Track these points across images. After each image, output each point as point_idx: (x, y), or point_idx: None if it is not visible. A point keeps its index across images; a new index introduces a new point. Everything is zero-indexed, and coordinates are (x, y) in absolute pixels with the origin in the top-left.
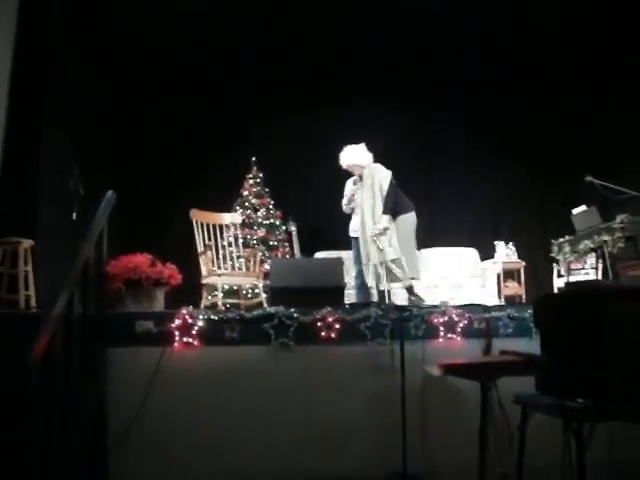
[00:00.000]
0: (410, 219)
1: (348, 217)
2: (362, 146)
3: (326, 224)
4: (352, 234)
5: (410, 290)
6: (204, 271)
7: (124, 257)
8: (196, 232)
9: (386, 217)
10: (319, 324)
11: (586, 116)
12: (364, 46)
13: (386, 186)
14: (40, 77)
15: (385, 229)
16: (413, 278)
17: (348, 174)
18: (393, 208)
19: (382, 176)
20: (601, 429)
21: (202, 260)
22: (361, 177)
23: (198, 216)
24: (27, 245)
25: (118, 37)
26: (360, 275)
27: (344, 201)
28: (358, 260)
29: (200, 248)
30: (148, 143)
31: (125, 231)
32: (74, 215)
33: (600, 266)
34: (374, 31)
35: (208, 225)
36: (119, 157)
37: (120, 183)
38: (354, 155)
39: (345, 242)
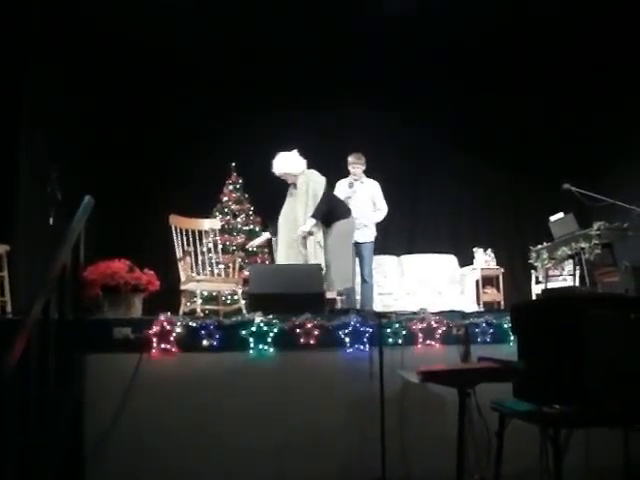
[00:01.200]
0: (347, 225)
1: None
2: (295, 153)
3: None
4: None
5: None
6: (183, 277)
7: (102, 263)
8: (175, 238)
9: (313, 221)
10: (298, 330)
11: (565, 124)
12: (344, 48)
13: (320, 193)
14: (18, 78)
15: (309, 233)
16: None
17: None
18: (325, 215)
19: (317, 182)
20: (578, 435)
21: (181, 266)
22: (295, 185)
23: (177, 222)
24: (2, 250)
25: (99, 39)
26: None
27: None
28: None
29: (179, 254)
30: (127, 148)
31: (103, 236)
32: (51, 220)
33: (577, 273)
34: (356, 31)
35: (187, 231)
36: (97, 161)
37: (98, 188)
38: (286, 163)
39: None
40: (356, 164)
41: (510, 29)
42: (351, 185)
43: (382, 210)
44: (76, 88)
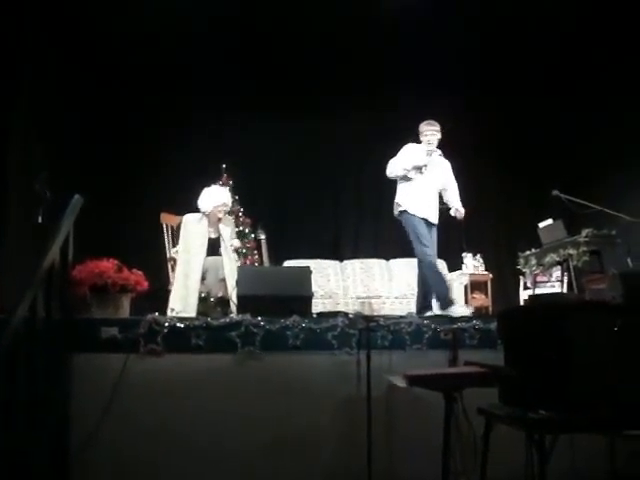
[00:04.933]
0: None
1: (320, 228)
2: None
3: (296, 233)
4: (412, 209)
5: None
6: (171, 277)
7: (90, 262)
8: (165, 236)
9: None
10: (286, 333)
11: (554, 130)
12: (337, 51)
13: None
14: (11, 77)
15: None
16: None
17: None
18: None
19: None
20: (564, 440)
21: (170, 266)
22: (220, 220)
23: (168, 220)
24: None
25: (94, 39)
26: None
27: (405, 165)
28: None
29: (169, 253)
30: (117, 146)
31: (92, 235)
32: (39, 218)
33: (565, 279)
34: (356, 32)
35: (178, 228)
36: (87, 160)
37: (88, 186)
38: (226, 195)
39: (315, 251)
40: (429, 131)
41: (507, 32)
42: (429, 154)
43: (456, 194)
44: (67, 87)
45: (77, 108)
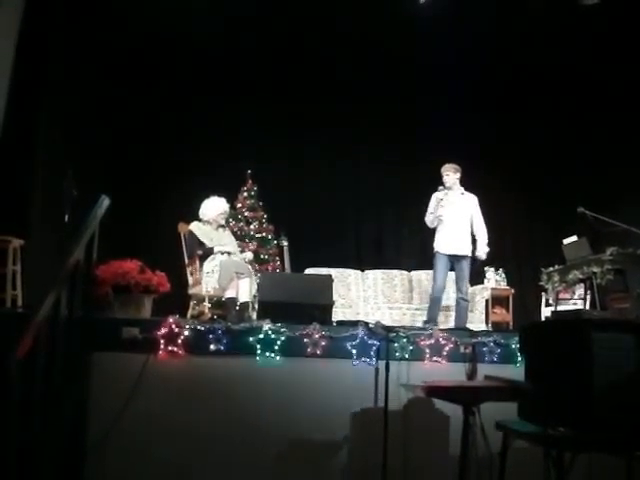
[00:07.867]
0: None
1: (339, 234)
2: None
3: (318, 241)
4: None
5: None
6: (190, 280)
7: (114, 262)
8: (183, 245)
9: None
10: (305, 340)
11: (582, 145)
12: (360, 63)
13: None
14: (39, 78)
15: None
16: None
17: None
18: None
19: None
20: (581, 458)
21: (189, 270)
22: (223, 226)
23: (185, 230)
24: (17, 244)
25: (119, 42)
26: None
27: (431, 211)
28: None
29: (187, 260)
30: (144, 150)
31: (116, 236)
32: (66, 217)
33: (588, 297)
34: (374, 50)
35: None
36: (114, 162)
37: (115, 188)
38: (224, 204)
39: (335, 259)
40: (445, 172)
41: (526, 49)
42: (445, 193)
43: (482, 229)
44: (96, 90)
45: (103, 109)
